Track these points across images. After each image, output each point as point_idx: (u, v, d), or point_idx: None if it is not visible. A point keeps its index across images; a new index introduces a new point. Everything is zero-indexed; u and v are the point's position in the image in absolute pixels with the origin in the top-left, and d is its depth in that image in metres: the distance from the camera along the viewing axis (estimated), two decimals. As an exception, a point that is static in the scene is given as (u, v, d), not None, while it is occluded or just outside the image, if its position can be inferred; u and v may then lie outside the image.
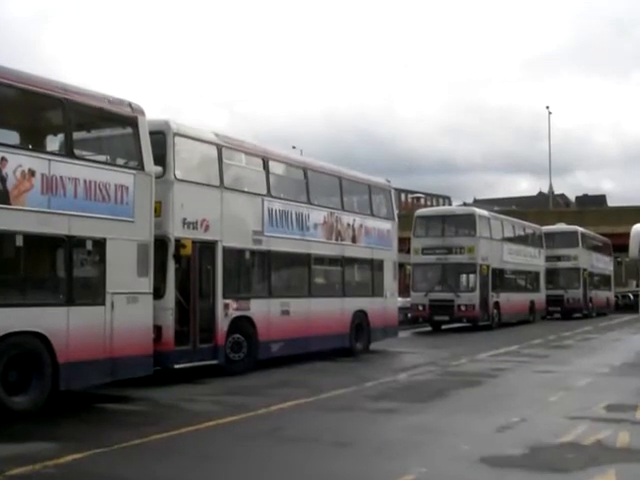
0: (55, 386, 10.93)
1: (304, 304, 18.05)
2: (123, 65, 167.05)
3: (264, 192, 17.03)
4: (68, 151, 11.45)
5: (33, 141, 12.60)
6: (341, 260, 20.00)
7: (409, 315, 31.17)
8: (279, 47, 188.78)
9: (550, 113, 64.80)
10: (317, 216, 18.95)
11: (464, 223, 31.78)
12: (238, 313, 15.69)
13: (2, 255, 11.16)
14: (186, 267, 14.54)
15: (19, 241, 10.66)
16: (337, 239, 19.75)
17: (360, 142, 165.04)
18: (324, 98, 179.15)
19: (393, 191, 24.12)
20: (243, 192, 16.55)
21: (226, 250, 15.48)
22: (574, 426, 9.99)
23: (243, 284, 16.56)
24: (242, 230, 16.21)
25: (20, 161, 10.57)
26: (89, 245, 11.77)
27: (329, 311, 19.11)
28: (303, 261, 18.45)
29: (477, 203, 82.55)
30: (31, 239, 10.81)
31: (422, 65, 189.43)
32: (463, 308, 30.08)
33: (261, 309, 16.46)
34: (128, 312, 12.02)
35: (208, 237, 15.04)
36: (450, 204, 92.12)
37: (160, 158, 14.21)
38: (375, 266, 21.62)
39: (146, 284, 12.56)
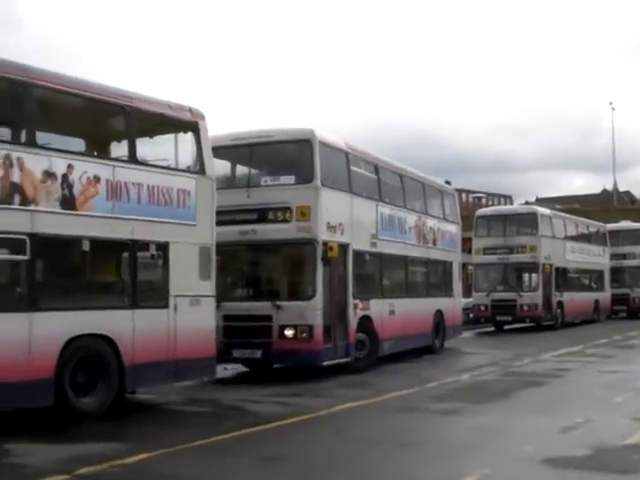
0: (121, 388, 11.15)
1: (404, 304, 18.72)
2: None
3: (377, 197, 17.85)
4: (131, 157, 11.65)
5: (98, 148, 12.84)
6: (426, 262, 20.83)
7: (471, 315, 30.95)
8: (334, 52, 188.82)
9: (613, 109, 63.98)
10: (411, 220, 19.88)
11: (526, 222, 31.45)
12: (362, 313, 16.41)
13: (69, 260, 11.39)
14: (327, 269, 15.06)
15: (85, 246, 10.89)
16: (423, 242, 20.56)
17: (412, 142, 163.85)
18: (376, 100, 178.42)
19: (456, 195, 24.66)
20: (364, 197, 17.29)
21: (354, 252, 16.17)
22: (640, 427, 9.84)
23: (365, 285, 17.16)
24: (364, 233, 17.02)
25: (86, 168, 10.81)
26: (152, 249, 11.98)
27: (419, 310, 19.87)
28: (402, 263, 19.33)
29: (539, 202, 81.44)
30: (97, 244, 11.01)
31: (474, 64, 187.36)
32: (526, 308, 29.74)
33: (377, 309, 17.15)
34: (191, 315, 12.17)
35: (343, 240, 15.71)
36: (511, 203, 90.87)
37: (306, 165, 15.04)
38: (447, 267, 22.43)
39: (208, 287, 12.72)
